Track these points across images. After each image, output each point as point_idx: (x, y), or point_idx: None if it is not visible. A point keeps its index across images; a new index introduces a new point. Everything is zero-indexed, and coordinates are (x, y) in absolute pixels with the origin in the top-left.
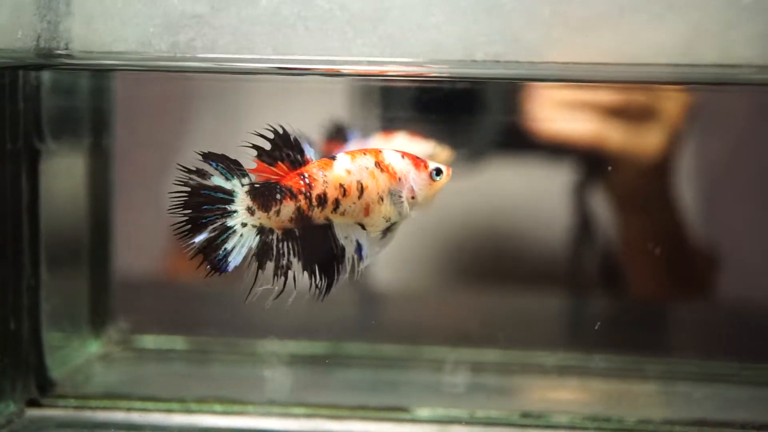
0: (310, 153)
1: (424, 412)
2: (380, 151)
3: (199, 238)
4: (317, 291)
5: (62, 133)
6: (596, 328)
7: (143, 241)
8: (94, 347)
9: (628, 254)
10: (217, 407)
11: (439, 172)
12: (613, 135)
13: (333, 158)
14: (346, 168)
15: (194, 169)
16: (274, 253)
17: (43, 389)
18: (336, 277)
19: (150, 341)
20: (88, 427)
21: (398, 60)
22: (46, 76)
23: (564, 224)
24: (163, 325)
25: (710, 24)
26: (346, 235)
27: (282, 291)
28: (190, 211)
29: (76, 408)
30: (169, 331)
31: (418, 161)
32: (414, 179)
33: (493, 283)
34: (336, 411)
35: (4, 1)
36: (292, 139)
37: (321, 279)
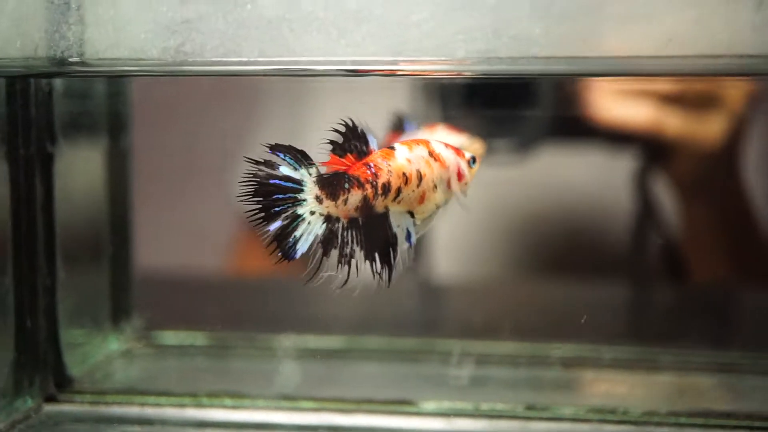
0: (373, 144)
1: (430, 405)
2: (429, 142)
3: (274, 226)
4: (380, 279)
5: (77, 136)
6: (582, 321)
7: (163, 239)
8: (115, 344)
9: (691, 242)
10: (228, 401)
11: (474, 160)
12: (672, 122)
13: (392, 149)
14: (407, 157)
15: (262, 160)
16: (339, 241)
17: (61, 386)
18: (393, 265)
19: (171, 337)
20: (104, 421)
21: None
22: (58, 81)
23: (626, 212)
24: (184, 320)
25: None
26: (398, 223)
27: (347, 279)
28: (262, 199)
29: (91, 404)
30: (190, 327)
31: (458, 150)
32: (460, 168)
33: (555, 273)
34: (344, 404)
35: (11, 9)
36: (359, 131)
37: (382, 267)
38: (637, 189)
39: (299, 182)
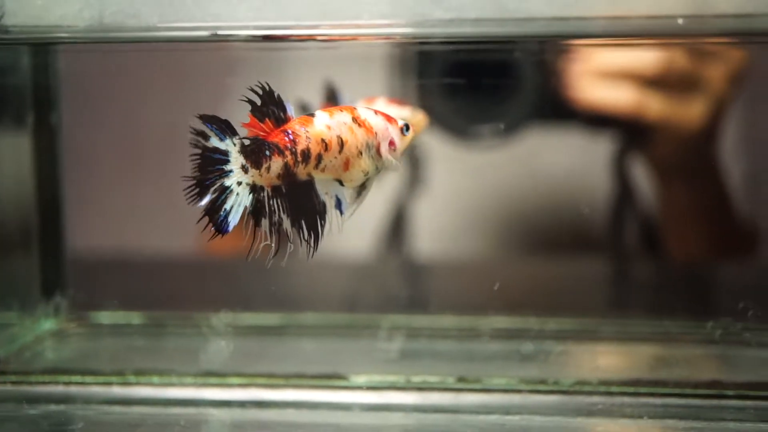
0: (290, 111)
1: (360, 378)
2: (355, 108)
3: (205, 200)
4: (307, 247)
5: (1, 112)
6: (495, 288)
7: (102, 219)
8: (47, 325)
9: (669, 222)
10: (155, 379)
11: (407, 127)
12: (653, 104)
13: (312, 115)
14: (326, 123)
15: (196, 131)
16: (267, 210)
17: None
18: (321, 233)
19: (106, 317)
20: (27, 401)
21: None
22: None
23: (605, 193)
24: (118, 300)
25: None
26: (326, 191)
27: (277, 249)
28: (196, 174)
29: (14, 383)
30: (126, 307)
31: (389, 117)
32: (387, 135)
33: (535, 252)
34: (272, 380)
35: None
36: (275, 97)
37: (308, 235)
38: (617, 171)
39: (225, 153)
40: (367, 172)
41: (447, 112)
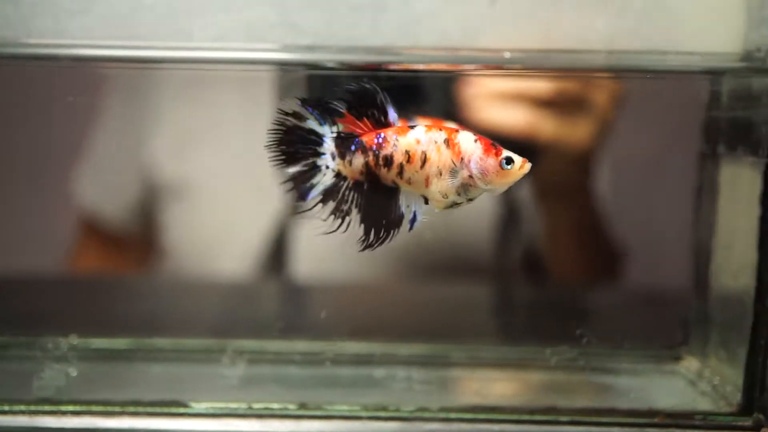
0: (393, 117)
1: (201, 405)
2: (456, 130)
3: (292, 170)
4: (364, 243)
5: None
6: (322, 316)
7: None
8: None
9: (550, 244)
10: None
11: (510, 161)
12: (544, 126)
13: (411, 126)
14: (417, 137)
15: (291, 112)
16: (339, 196)
17: None
18: (382, 239)
19: None
20: None
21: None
22: None
23: (491, 214)
24: None
25: None
26: (408, 203)
27: (331, 232)
28: (286, 147)
29: None
30: None
31: (490, 147)
32: (477, 163)
33: (420, 273)
34: (108, 407)
35: None
36: (378, 101)
37: (372, 235)
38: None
39: (321, 136)
40: (446, 196)
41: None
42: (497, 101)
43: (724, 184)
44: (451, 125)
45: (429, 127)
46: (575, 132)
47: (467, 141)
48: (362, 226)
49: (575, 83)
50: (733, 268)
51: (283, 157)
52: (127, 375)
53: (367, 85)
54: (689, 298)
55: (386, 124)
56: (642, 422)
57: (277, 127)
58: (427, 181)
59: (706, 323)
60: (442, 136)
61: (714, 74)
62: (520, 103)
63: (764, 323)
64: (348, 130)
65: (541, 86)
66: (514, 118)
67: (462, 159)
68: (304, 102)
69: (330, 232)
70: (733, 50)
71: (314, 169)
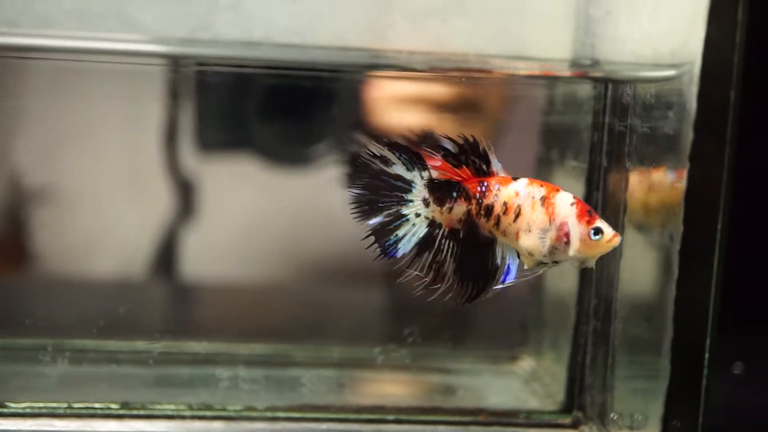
0: (497, 167)
1: (20, 405)
2: (557, 190)
3: (374, 221)
4: (463, 295)
5: None
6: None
7: None
8: None
9: None
10: None
11: (598, 231)
12: (443, 127)
13: (514, 178)
14: (517, 190)
15: (378, 155)
16: (435, 246)
17: None
18: (479, 292)
19: None
20: None
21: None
22: None
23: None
24: None
25: None
26: (503, 256)
27: (429, 284)
28: (368, 193)
29: None
30: None
31: (584, 213)
32: (571, 228)
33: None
34: None
35: None
36: (480, 150)
37: (467, 286)
38: None
39: (410, 183)
40: (531, 253)
41: (257, 135)
42: (397, 105)
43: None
44: (555, 187)
45: (531, 181)
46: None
47: (563, 202)
48: (458, 276)
49: (469, 87)
50: (562, 270)
51: (365, 206)
52: None
53: (469, 137)
54: (527, 301)
55: (488, 173)
56: (466, 420)
57: (360, 172)
58: (517, 236)
59: (541, 325)
60: (540, 192)
61: (544, 80)
62: (418, 106)
63: (584, 324)
64: (442, 177)
65: (438, 90)
66: (412, 120)
67: (554, 219)
68: (391, 146)
69: (428, 285)
70: (565, 57)
71: (399, 219)
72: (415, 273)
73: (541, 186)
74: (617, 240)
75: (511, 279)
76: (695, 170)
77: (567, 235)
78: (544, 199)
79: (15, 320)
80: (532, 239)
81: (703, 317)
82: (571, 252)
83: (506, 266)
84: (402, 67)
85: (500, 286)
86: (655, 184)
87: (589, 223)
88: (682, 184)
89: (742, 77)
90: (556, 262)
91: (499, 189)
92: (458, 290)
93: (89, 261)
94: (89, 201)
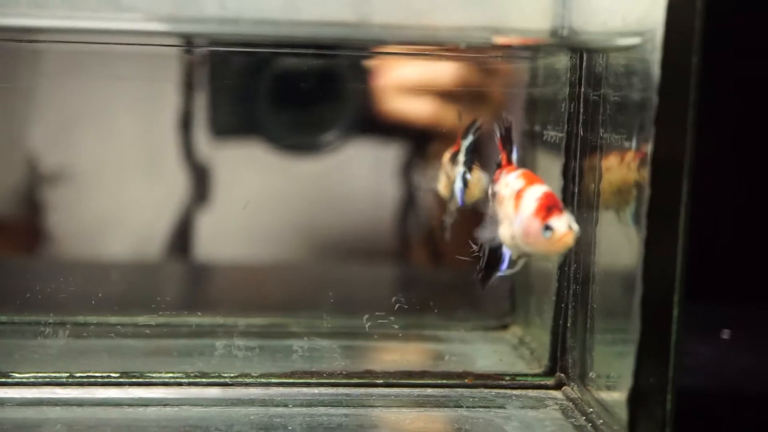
0: (516, 155)
1: (24, 375)
2: (533, 183)
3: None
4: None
5: None
6: None
7: None
8: None
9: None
10: None
11: (548, 228)
12: (448, 114)
13: (515, 168)
14: (507, 181)
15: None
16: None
17: None
18: (488, 275)
19: None
20: None
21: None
22: None
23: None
24: None
25: None
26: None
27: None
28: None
29: None
30: None
31: (541, 208)
32: (521, 221)
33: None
34: None
35: None
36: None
37: (481, 270)
38: (404, 178)
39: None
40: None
41: (267, 121)
42: (405, 91)
43: (541, 161)
44: (534, 181)
45: (523, 173)
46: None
47: (529, 197)
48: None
49: (473, 72)
50: None
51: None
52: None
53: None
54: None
55: (510, 161)
56: (453, 383)
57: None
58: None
59: (528, 292)
60: (519, 184)
61: (528, 52)
62: (425, 93)
63: (565, 289)
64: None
65: (443, 75)
66: (419, 106)
67: (517, 213)
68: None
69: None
70: (545, 28)
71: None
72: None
73: (525, 178)
74: (568, 239)
75: (503, 268)
76: (660, 134)
77: (522, 229)
78: (517, 192)
79: (27, 298)
80: (503, 230)
81: (670, 276)
82: (526, 247)
83: (503, 254)
84: (381, 42)
85: (499, 273)
86: (627, 151)
87: (543, 219)
88: (650, 149)
89: (704, 43)
90: (525, 255)
91: (502, 178)
92: (476, 272)
93: (104, 241)
94: (104, 182)
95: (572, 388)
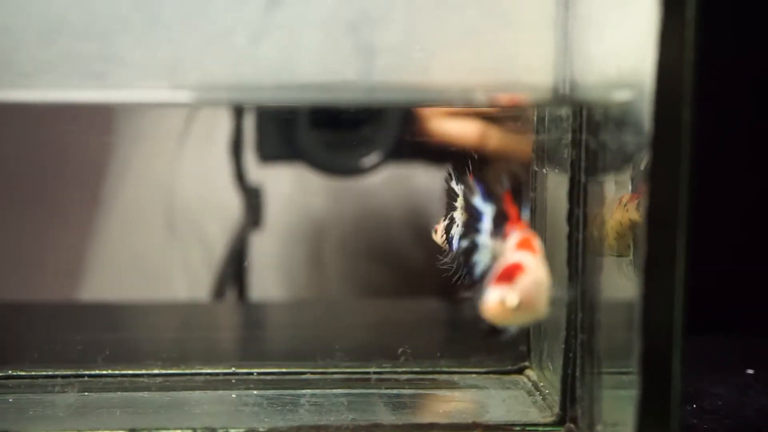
0: (525, 217)
1: None
2: (521, 249)
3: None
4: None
5: None
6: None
7: None
8: None
9: None
10: None
11: (489, 296)
12: (493, 138)
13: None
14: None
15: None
16: None
17: None
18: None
19: None
20: None
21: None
22: None
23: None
24: None
25: None
26: None
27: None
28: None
29: None
30: None
31: (502, 276)
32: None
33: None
34: None
35: None
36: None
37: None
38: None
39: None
40: None
41: (309, 145)
42: (454, 116)
43: (551, 202)
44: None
45: (521, 239)
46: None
47: (504, 260)
48: None
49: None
50: (556, 279)
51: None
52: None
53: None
54: None
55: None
56: None
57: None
58: None
59: (541, 337)
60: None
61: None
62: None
63: (573, 336)
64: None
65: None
66: (468, 131)
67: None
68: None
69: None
70: (546, 84)
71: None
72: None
73: (518, 241)
74: (493, 312)
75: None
76: (654, 187)
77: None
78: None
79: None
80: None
81: (667, 326)
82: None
83: None
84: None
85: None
86: (625, 201)
87: (494, 284)
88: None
89: (694, 95)
90: None
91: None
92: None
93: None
94: None
95: None
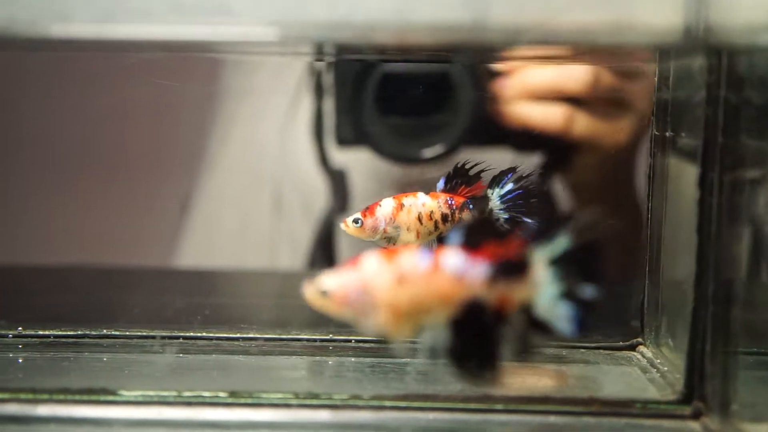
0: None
1: (131, 393)
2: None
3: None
4: None
5: None
6: None
7: None
8: None
9: None
10: None
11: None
12: (581, 122)
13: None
14: None
15: None
16: None
17: None
18: None
19: None
20: None
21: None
22: None
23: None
24: None
25: None
26: None
27: None
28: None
29: None
30: None
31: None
32: None
33: None
34: (34, 395)
35: None
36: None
37: None
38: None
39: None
40: None
41: (375, 130)
42: (534, 98)
43: (673, 169)
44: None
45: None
46: (611, 130)
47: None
48: None
49: (610, 77)
50: (679, 253)
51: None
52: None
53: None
54: (643, 287)
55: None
56: (578, 411)
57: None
58: None
59: (659, 311)
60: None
61: (657, 51)
62: (556, 99)
63: (703, 309)
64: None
65: (576, 81)
66: (550, 114)
67: None
68: None
69: None
70: (676, 27)
71: None
72: None
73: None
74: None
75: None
76: None
77: None
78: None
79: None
80: None
81: None
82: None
83: None
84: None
85: None
86: None
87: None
88: None
89: None
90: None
91: None
92: None
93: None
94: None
95: (712, 419)
